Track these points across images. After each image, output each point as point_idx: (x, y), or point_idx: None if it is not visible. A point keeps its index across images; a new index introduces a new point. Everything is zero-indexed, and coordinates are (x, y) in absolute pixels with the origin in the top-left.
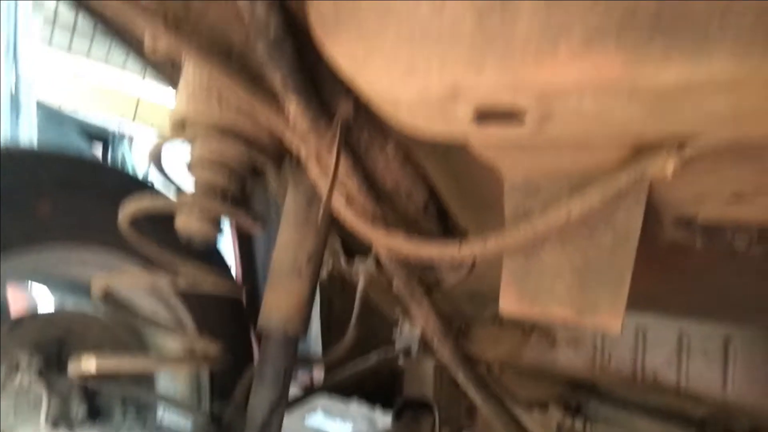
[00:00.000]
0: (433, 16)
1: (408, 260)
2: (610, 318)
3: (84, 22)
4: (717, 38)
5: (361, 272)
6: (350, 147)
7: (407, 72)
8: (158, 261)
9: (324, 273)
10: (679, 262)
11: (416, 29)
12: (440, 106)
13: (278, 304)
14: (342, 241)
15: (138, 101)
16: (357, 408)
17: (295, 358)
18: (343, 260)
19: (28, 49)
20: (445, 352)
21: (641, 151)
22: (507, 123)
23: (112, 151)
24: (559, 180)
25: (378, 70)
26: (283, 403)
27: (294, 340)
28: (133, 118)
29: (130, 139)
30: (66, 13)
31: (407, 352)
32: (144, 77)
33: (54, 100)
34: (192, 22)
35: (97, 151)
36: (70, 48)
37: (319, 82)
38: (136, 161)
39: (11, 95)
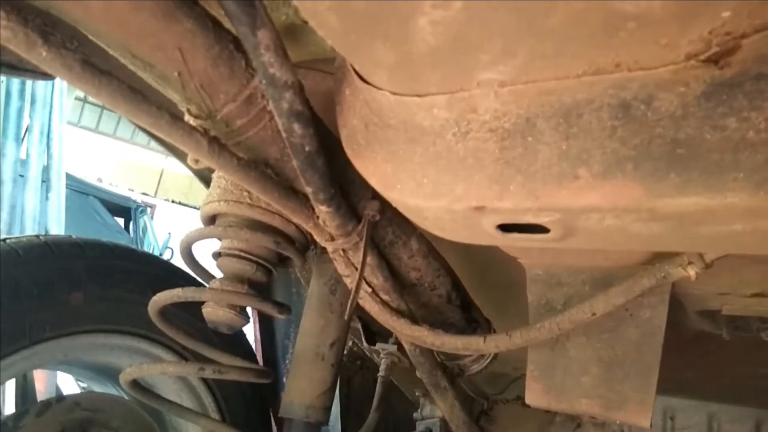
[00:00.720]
0: (458, 143)
1: (432, 353)
2: (638, 413)
3: None
4: (731, 172)
5: (383, 356)
6: (375, 243)
7: (433, 193)
8: (186, 348)
9: (344, 351)
10: (707, 350)
11: (442, 154)
12: (465, 220)
13: (301, 389)
14: (363, 324)
15: (161, 173)
16: None
17: None
18: (365, 343)
19: (59, 128)
20: None
21: (663, 255)
22: (531, 233)
23: (134, 222)
24: (581, 274)
25: (405, 189)
26: None
27: (316, 426)
28: (156, 192)
29: (152, 210)
30: None
31: None
32: (167, 156)
33: (81, 174)
34: (233, 140)
35: (120, 221)
36: (97, 127)
37: (348, 185)
38: (157, 231)
39: (43, 171)
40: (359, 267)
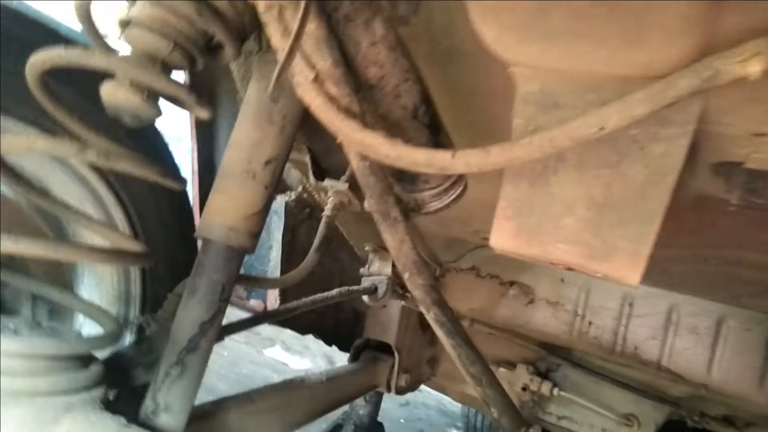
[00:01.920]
0: None
1: (385, 173)
2: (627, 267)
3: None
4: None
5: (331, 194)
6: (325, 13)
7: None
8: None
9: (292, 196)
10: (700, 224)
11: None
12: None
13: (223, 208)
14: (311, 157)
15: None
16: (317, 345)
17: (236, 274)
18: (311, 178)
19: None
20: (417, 287)
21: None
22: None
23: None
24: (588, 92)
25: None
26: (215, 325)
27: (238, 253)
28: None
29: None
30: None
31: (373, 291)
32: None
33: None
34: None
35: None
36: None
37: None
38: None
39: None
40: (295, 29)
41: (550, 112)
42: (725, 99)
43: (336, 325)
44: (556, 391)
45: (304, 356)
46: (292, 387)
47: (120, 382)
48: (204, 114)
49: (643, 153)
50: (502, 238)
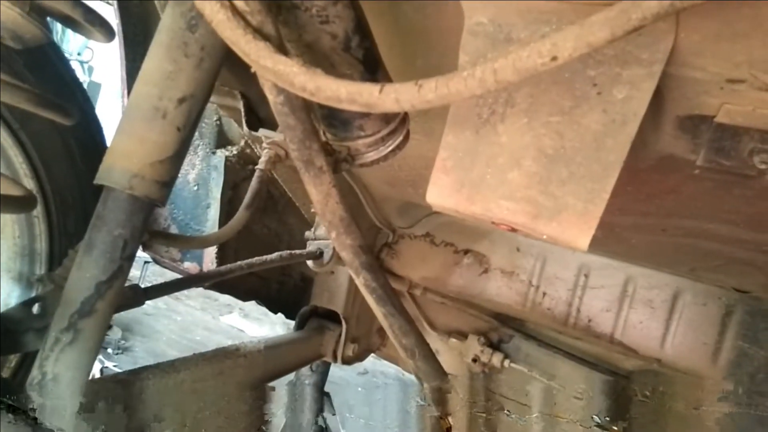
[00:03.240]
0: None
1: (308, 114)
2: (576, 228)
3: None
4: None
5: (266, 145)
6: None
7: None
8: None
9: (233, 152)
10: (661, 188)
11: None
12: None
13: (127, 151)
14: (245, 103)
15: None
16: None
17: (142, 229)
18: (244, 127)
19: None
20: (344, 248)
21: None
22: None
23: None
24: (545, 23)
25: None
26: (115, 286)
27: (144, 204)
28: None
29: None
30: None
31: (318, 255)
32: None
33: None
34: None
35: None
36: None
37: None
38: None
39: None
40: None
41: (501, 46)
42: (697, 34)
43: (282, 291)
44: (507, 362)
45: (263, 324)
46: (225, 355)
47: (7, 348)
48: (104, 39)
49: (601, 98)
50: (439, 194)
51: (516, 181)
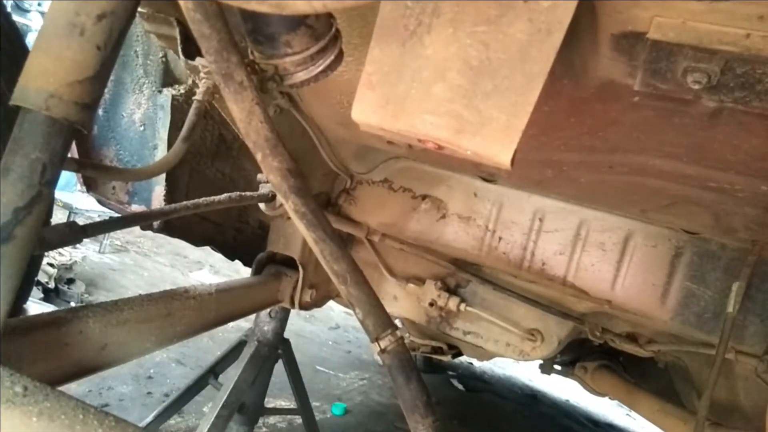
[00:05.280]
0: None
1: (225, 23)
2: (498, 142)
3: None
4: None
5: (203, 75)
6: None
7: None
8: None
9: (180, 90)
10: (603, 119)
11: None
12: None
13: (43, 70)
14: (181, 30)
15: None
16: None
17: (63, 153)
18: (181, 56)
19: None
20: (271, 171)
21: None
22: None
23: None
24: None
25: None
26: (35, 212)
27: (63, 126)
28: None
29: None
30: None
31: (271, 198)
32: None
33: None
34: None
35: None
36: None
37: None
38: None
39: None
40: None
41: None
42: None
43: (239, 239)
44: (463, 306)
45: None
46: (173, 297)
47: None
48: None
49: (527, 6)
50: (364, 110)
51: (440, 94)
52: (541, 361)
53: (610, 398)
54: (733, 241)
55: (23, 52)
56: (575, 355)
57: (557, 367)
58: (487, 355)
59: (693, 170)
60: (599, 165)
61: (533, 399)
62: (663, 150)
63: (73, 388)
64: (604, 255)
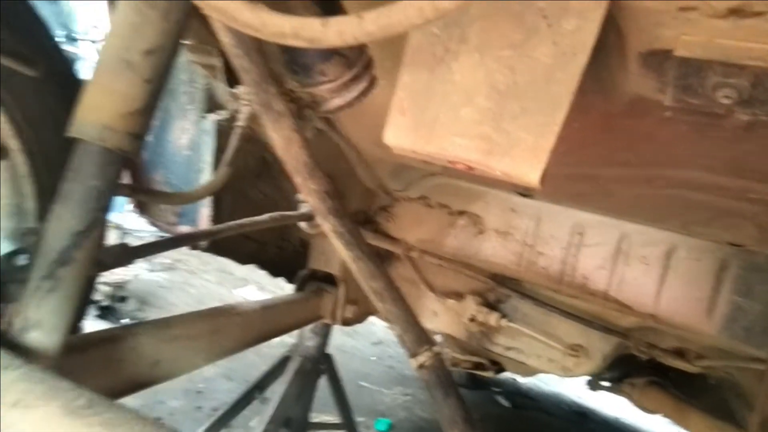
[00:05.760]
0: None
1: (263, 56)
2: (527, 163)
3: None
4: None
5: (245, 102)
6: None
7: None
8: None
9: (225, 116)
10: (637, 134)
11: None
12: None
13: (97, 104)
14: (224, 60)
15: None
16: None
17: (116, 181)
18: (223, 81)
19: None
20: (310, 194)
21: None
22: None
23: None
24: None
25: None
26: (92, 236)
27: (116, 156)
28: None
29: None
30: None
31: (311, 217)
32: None
33: None
34: None
35: None
36: None
37: None
38: None
39: None
40: None
41: None
42: None
43: (280, 255)
44: (503, 321)
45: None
46: (220, 314)
47: None
48: None
49: (551, 30)
50: (396, 135)
51: (469, 117)
52: (589, 378)
53: (662, 416)
54: None
55: (75, 81)
56: (623, 372)
57: (605, 383)
58: (530, 371)
59: (732, 182)
60: (636, 179)
61: (582, 416)
62: (699, 163)
63: (126, 402)
64: (647, 269)
